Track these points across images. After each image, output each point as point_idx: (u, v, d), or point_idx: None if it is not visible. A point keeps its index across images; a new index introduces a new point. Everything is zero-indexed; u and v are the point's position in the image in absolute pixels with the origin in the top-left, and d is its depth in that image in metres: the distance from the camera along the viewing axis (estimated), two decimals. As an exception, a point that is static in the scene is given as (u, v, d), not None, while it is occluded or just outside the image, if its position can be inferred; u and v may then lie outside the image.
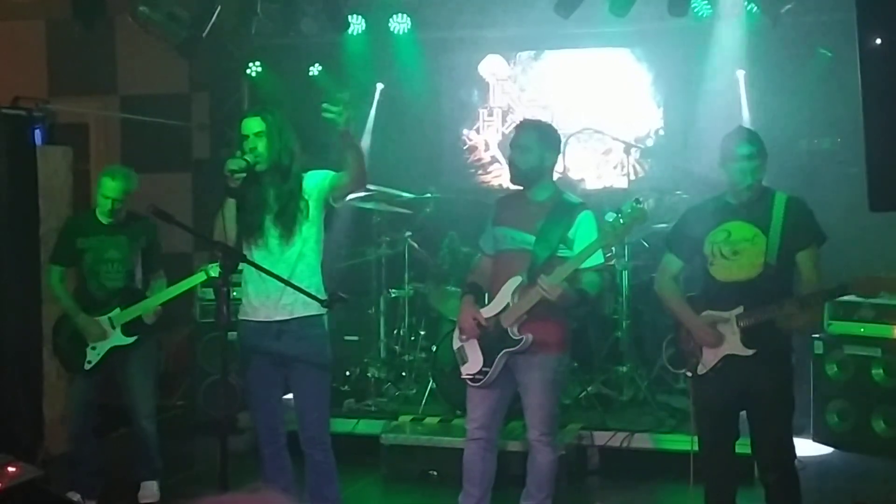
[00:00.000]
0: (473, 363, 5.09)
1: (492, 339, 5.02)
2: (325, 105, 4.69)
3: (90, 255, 6.04)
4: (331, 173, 5.06)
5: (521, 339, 4.94)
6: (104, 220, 6.06)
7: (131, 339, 6.00)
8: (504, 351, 4.98)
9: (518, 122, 5.23)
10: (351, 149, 4.94)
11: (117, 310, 5.99)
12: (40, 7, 9.52)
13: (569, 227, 5.02)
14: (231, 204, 4.88)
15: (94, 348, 5.98)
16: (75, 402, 6.14)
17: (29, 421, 6.93)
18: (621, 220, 4.79)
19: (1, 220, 6.90)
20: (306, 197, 4.99)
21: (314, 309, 4.93)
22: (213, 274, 5.81)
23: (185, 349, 8.75)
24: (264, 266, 4.80)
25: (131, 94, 9.91)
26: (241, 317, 5.08)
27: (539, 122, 5.30)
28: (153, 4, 7.75)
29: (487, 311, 5.07)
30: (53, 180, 7.23)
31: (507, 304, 5.00)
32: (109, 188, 5.98)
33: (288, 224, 4.93)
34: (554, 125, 5.37)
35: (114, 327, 5.99)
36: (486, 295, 5.18)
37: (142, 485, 6.27)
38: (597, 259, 5.01)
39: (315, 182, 5.02)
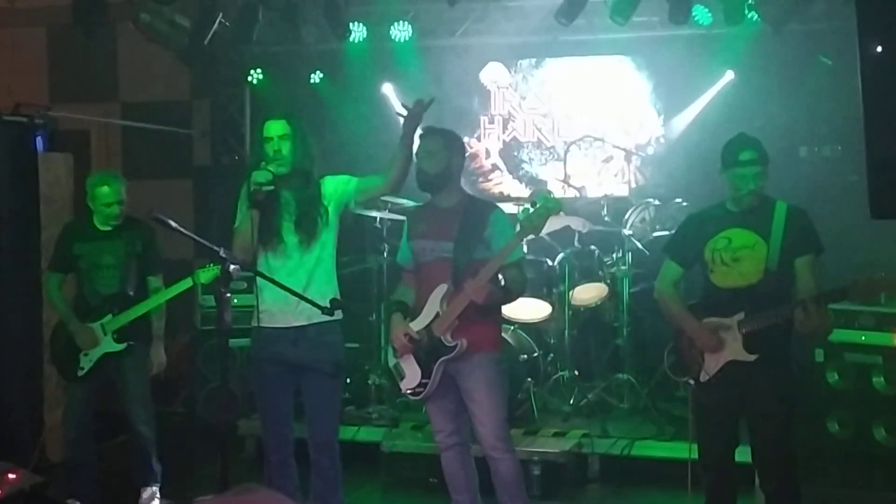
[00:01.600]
0: (411, 377, 5.09)
1: (426, 350, 5.01)
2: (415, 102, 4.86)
3: (85, 261, 6.05)
4: (353, 179, 5.08)
5: (456, 344, 4.93)
6: (101, 226, 6.08)
7: (122, 346, 5.99)
8: (440, 360, 4.97)
9: (421, 130, 5.18)
10: (406, 154, 5.01)
11: (109, 316, 5.98)
12: (42, 14, 9.54)
13: (483, 229, 5.01)
14: (255, 215, 4.89)
15: (86, 355, 5.98)
16: (71, 408, 6.12)
17: (29, 428, 6.92)
18: (537, 212, 4.82)
19: (2, 227, 6.91)
20: (325, 203, 5.00)
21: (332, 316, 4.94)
22: (201, 280, 5.80)
23: (186, 356, 8.74)
24: (283, 272, 4.86)
25: (132, 100, 9.92)
26: (255, 323, 5.05)
27: (443, 129, 5.30)
28: (155, 12, 7.77)
29: (417, 324, 5.05)
30: (55, 187, 7.24)
31: (437, 313, 4.98)
32: (107, 194, 5.99)
33: (309, 229, 4.94)
34: (456, 132, 5.37)
35: (105, 334, 5.98)
36: (413, 309, 5.16)
37: (142, 491, 6.26)
38: (516, 254, 5.03)
39: (335, 187, 5.04)
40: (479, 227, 5.02)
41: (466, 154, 5.39)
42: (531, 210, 4.90)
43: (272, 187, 4.85)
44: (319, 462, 5.09)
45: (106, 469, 6.28)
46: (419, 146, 5.15)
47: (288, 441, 5.13)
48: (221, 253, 4.38)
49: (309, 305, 4.74)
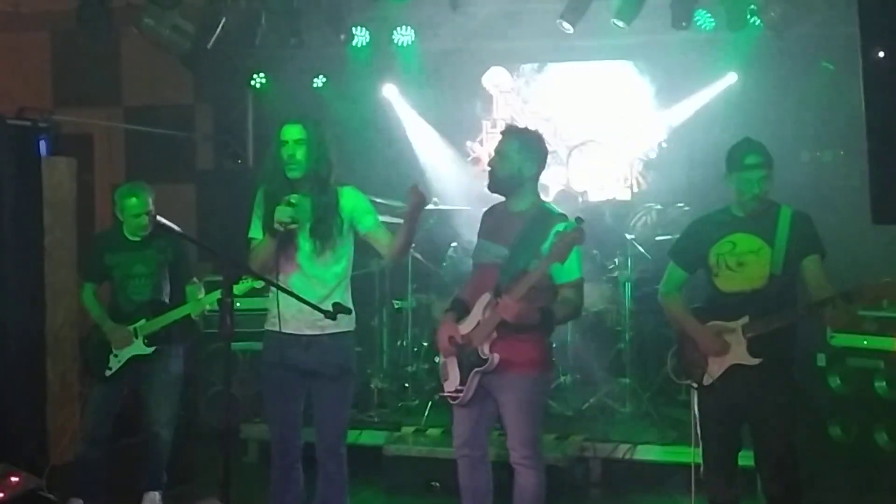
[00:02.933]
0: (451, 381, 4.96)
1: (467, 357, 4.87)
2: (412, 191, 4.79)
3: (118, 271, 6.17)
4: (371, 216, 5.05)
5: (488, 358, 4.77)
6: (131, 236, 6.17)
7: (151, 350, 6.09)
8: (475, 370, 4.84)
9: (503, 128, 5.06)
10: (407, 237, 4.97)
11: (143, 321, 6.10)
12: (46, 18, 9.57)
13: (543, 240, 4.73)
14: (273, 244, 4.89)
15: (116, 356, 6.09)
16: (93, 407, 6.18)
17: (32, 431, 6.93)
18: (562, 240, 4.54)
19: (6, 231, 6.91)
20: (343, 215, 4.99)
21: (345, 325, 4.92)
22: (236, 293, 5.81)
23: (189, 360, 8.73)
24: (302, 281, 4.87)
25: (136, 105, 9.94)
26: (269, 327, 5.05)
27: (524, 129, 5.09)
28: (158, 16, 7.78)
29: (464, 328, 4.91)
30: (58, 191, 7.25)
31: (479, 322, 4.84)
32: (135, 206, 6.09)
33: (324, 236, 4.92)
34: (544, 137, 5.09)
35: (137, 337, 6.09)
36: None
37: (144, 495, 6.27)
38: (571, 274, 4.79)
39: (354, 206, 5.02)
40: (539, 238, 4.76)
41: (546, 157, 5.04)
42: (555, 237, 4.63)
43: (295, 225, 4.84)
44: (326, 467, 5.08)
45: (111, 471, 6.28)
46: (498, 143, 4.98)
47: (295, 446, 5.12)
48: (222, 257, 4.38)
49: (321, 316, 4.71)
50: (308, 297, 4.73)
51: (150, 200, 6.14)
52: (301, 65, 9.23)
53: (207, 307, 6.21)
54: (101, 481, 6.18)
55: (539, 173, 5.00)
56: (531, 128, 5.13)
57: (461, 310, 5.00)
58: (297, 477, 5.11)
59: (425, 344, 8.08)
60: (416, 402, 7.84)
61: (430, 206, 8.04)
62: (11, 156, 6.95)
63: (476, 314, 4.87)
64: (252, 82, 9.19)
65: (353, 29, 8.47)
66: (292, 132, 4.93)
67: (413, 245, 7.90)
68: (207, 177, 9.59)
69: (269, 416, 5.22)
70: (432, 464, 6.69)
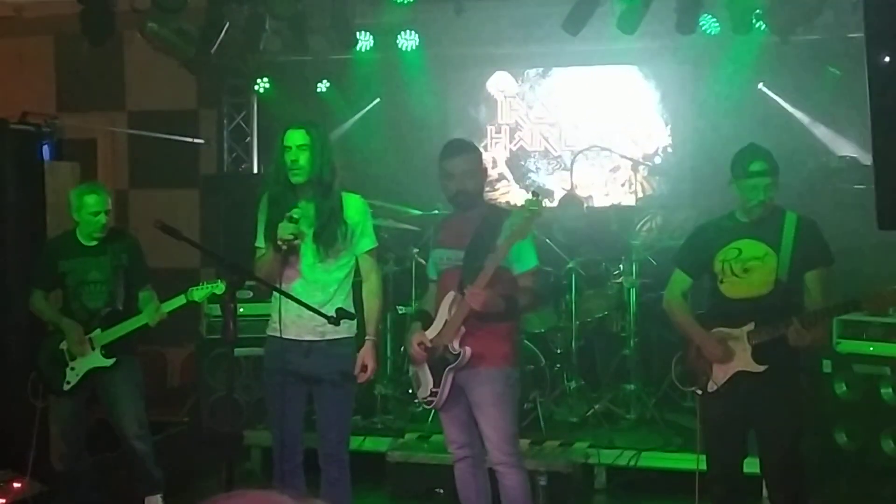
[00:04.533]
0: (425, 386, 5.07)
1: (437, 359, 4.99)
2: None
3: (72, 277, 5.95)
4: (368, 241, 5.07)
5: (459, 353, 4.90)
6: (86, 241, 5.97)
7: (110, 362, 5.89)
8: (448, 367, 4.94)
9: (449, 145, 5.24)
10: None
11: (98, 331, 5.89)
12: (49, 23, 9.56)
13: (496, 236, 4.92)
14: (278, 258, 4.89)
15: (73, 369, 5.89)
16: (61, 422, 6.00)
17: (33, 437, 6.90)
18: (521, 216, 4.82)
19: (8, 235, 6.90)
20: (348, 221, 4.99)
21: (345, 331, 4.91)
22: (194, 298, 5.76)
23: (192, 365, 8.73)
24: (303, 286, 4.87)
25: (139, 109, 9.94)
26: (271, 333, 5.05)
27: (469, 142, 5.39)
28: (162, 21, 7.78)
29: (431, 332, 5.04)
30: (61, 196, 7.21)
31: (445, 321, 4.97)
32: (94, 203, 5.88)
33: (328, 242, 4.92)
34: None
35: (94, 348, 5.89)
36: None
37: (145, 500, 6.23)
38: (527, 263, 4.98)
39: (359, 219, 5.03)
40: (492, 235, 4.95)
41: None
42: (513, 214, 4.92)
43: (298, 241, 4.86)
44: (329, 472, 5.08)
45: (110, 478, 6.25)
46: (451, 163, 5.08)
47: (297, 451, 5.12)
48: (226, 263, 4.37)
49: (323, 321, 4.73)
50: (308, 302, 4.75)
51: (109, 201, 5.94)
52: (305, 70, 9.23)
53: (166, 315, 6.00)
54: (97, 489, 6.11)
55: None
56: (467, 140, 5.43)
57: (426, 319, 5.13)
58: (299, 483, 5.10)
59: (429, 350, 8.06)
60: (420, 408, 7.80)
61: (434, 212, 8.05)
62: (14, 160, 6.95)
63: (442, 315, 5.00)
64: (256, 87, 9.19)
65: (358, 34, 8.45)
66: (295, 137, 4.92)
67: (416, 251, 7.91)
68: (211, 182, 9.58)
69: (271, 421, 5.22)
70: (436, 470, 6.66)
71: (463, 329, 4.90)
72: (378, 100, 9.33)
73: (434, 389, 5.02)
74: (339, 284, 4.99)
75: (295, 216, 4.84)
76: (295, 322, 4.94)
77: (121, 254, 6.00)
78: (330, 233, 4.92)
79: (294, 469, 5.10)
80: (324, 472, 5.09)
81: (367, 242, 5.07)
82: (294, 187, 4.93)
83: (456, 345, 4.92)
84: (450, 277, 5.04)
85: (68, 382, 5.90)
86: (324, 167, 4.93)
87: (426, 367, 5.06)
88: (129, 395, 6.03)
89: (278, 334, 4.98)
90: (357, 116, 9.37)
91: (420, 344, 5.04)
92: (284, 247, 4.83)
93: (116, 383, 5.98)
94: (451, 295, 4.97)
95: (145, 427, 6.12)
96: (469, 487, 5.15)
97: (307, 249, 4.93)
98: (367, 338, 5.03)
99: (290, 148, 4.91)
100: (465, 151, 5.15)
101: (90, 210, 5.88)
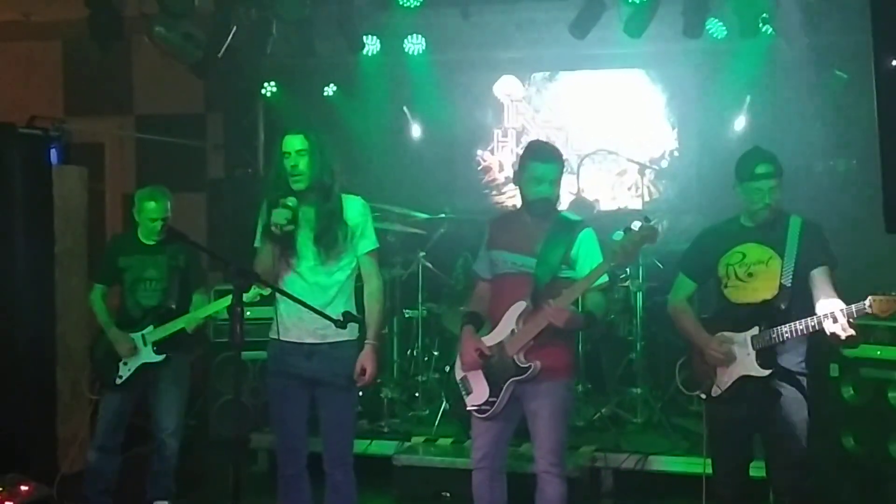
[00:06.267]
0: (479, 394, 4.92)
1: (497, 368, 4.84)
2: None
3: (129, 274, 6.16)
4: (368, 243, 5.05)
5: (529, 366, 4.74)
6: (146, 240, 6.18)
7: (160, 358, 6.08)
8: (511, 380, 4.81)
9: (536, 150, 5.05)
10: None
11: (150, 327, 6.09)
12: (57, 28, 9.60)
13: (570, 247, 4.83)
14: (275, 250, 4.90)
15: (125, 364, 6.08)
16: (104, 415, 6.16)
17: (42, 440, 6.93)
18: (631, 239, 4.61)
19: (17, 239, 6.92)
20: (349, 223, 4.99)
21: (347, 334, 4.90)
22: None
23: (199, 369, 8.73)
24: (301, 286, 4.86)
25: (147, 113, 9.97)
26: (271, 335, 5.05)
27: (554, 147, 5.15)
28: (169, 25, 7.80)
29: (490, 340, 4.88)
30: (69, 200, 7.26)
31: (512, 331, 4.80)
32: (153, 210, 6.08)
33: (329, 244, 4.91)
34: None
35: (145, 345, 6.08)
36: (487, 322, 5.00)
37: (154, 504, 6.28)
38: (603, 278, 4.83)
39: (357, 224, 5.01)
40: (565, 245, 4.83)
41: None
42: (624, 235, 4.64)
43: (292, 227, 4.85)
44: (334, 476, 5.06)
45: (120, 480, 6.27)
46: (542, 168, 4.90)
47: (301, 455, 5.11)
48: (232, 267, 4.38)
49: (324, 324, 4.73)
50: (307, 299, 4.75)
51: (169, 206, 6.14)
52: (312, 74, 9.25)
53: (216, 315, 6.19)
54: (111, 491, 6.17)
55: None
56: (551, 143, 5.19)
57: (479, 323, 5.00)
58: (303, 486, 5.10)
59: (436, 353, 8.07)
60: (427, 411, 7.82)
61: (441, 215, 8.06)
62: (23, 164, 6.96)
63: (507, 324, 4.84)
64: (263, 91, 9.22)
65: (364, 38, 8.47)
66: (294, 143, 4.92)
67: (423, 254, 7.91)
68: (218, 185, 9.61)
69: (275, 425, 5.24)
70: (443, 474, 6.67)
71: (532, 342, 4.76)
72: (384, 104, 9.33)
73: (491, 399, 4.87)
74: (340, 287, 4.98)
75: (289, 203, 4.83)
76: (296, 325, 4.94)
77: (178, 255, 6.18)
78: (331, 235, 4.92)
79: (298, 473, 5.09)
80: (328, 475, 5.08)
81: (368, 243, 5.05)
82: (294, 193, 4.91)
83: (523, 357, 4.78)
84: (513, 283, 4.88)
85: (120, 377, 6.09)
86: (324, 171, 4.93)
87: (481, 375, 4.91)
88: (174, 392, 6.22)
89: (278, 337, 4.99)
90: (363, 120, 9.37)
91: (478, 350, 4.89)
92: (279, 231, 4.82)
93: (163, 378, 6.17)
94: (520, 305, 4.80)
95: (181, 428, 6.28)
96: (484, 497, 5.07)
97: (307, 252, 4.93)
98: (367, 341, 4.99)
99: (290, 153, 4.91)
100: (557, 159, 4.97)
101: (149, 216, 6.12)
